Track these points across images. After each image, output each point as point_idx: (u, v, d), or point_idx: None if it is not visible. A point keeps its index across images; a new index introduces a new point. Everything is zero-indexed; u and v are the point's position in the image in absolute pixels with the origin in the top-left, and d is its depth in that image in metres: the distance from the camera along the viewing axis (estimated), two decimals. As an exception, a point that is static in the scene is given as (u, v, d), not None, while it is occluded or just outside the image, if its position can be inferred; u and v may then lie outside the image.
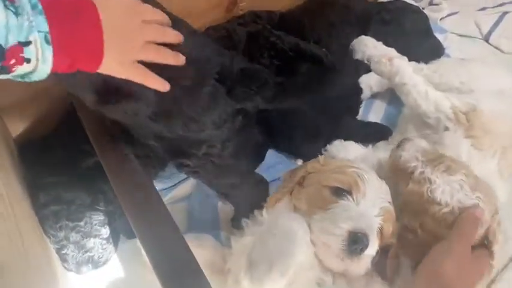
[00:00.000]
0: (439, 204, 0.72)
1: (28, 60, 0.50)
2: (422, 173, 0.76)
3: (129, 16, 0.60)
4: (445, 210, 0.72)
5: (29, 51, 0.49)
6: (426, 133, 0.96)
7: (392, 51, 1.11)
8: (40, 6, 0.49)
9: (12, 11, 0.47)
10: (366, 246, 0.66)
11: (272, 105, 0.84)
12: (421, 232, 0.74)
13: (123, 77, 0.62)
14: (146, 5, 0.64)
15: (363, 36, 1.12)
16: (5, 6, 0.46)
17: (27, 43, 0.49)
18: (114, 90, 0.69)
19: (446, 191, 0.73)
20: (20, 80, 0.53)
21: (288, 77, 1.04)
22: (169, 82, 0.67)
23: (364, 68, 1.13)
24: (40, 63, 0.51)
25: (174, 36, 0.66)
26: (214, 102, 0.75)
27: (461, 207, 0.72)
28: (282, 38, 1.04)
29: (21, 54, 0.49)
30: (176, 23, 0.72)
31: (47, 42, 0.50)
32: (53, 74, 0.55)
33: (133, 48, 0.61)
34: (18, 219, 0.78)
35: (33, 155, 0.95)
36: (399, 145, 0.83)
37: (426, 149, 0.82)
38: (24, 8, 0.48)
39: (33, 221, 0.85)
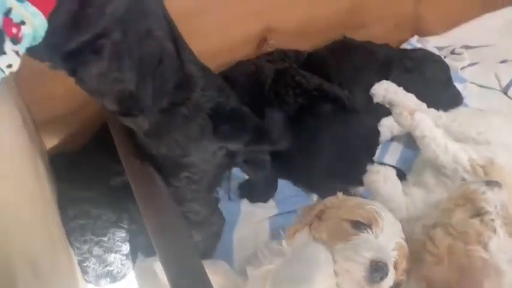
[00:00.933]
0: (484, 249, 0.76)
1: (23, 23, 0.54)
2: (493, 220, 0.79)
3: None
4: (483, 255, 0.76)
5: (16, 15, 0.53)
6: (443, 180, 0.99)
7: (411, 97, 1.16)
8: None
9: None
10: (386, 275, 0.71)
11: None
12: (440, 250, 0.79)
13: None
14: None
15: (384, 81, 1.18)
16: None
17: (9, 10, 0.53)
18: (133, 105, 0.76)
19: (498, 247, 0.77)
20: (33, 43, 0.57)
21: (310, 115, 1.10)
22: (171, 107, 0.76)
23: (384, 111, 1.18)
24: (32, 18, 0.55)
25: None
26: (201, 134, 0.82)
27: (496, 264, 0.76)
28: (307, 78, 1.10)
29: (13, 22, 0.53)
30: (193, 59, 0.80)
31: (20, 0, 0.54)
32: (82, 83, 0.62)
33: None
34: (51, 227, 0.83)
35: (64, 168, 1.00)
36: (489, 183, 0.85)
37: (506, 205, 0.83)
38: None
39: (61, 231, 0.90)
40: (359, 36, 1.33)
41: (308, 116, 1.10)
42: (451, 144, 0.98)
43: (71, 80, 0.70)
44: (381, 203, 0.85)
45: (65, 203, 0.92)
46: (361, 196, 0.99)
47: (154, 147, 0.83)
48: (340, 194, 0.85)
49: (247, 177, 1.09)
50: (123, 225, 0.92)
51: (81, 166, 0.99)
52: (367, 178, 1.02)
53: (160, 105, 0.78)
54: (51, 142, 1.07)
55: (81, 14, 0.62)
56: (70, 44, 0.63)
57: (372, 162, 1.06)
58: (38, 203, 0.82)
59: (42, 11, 0.56)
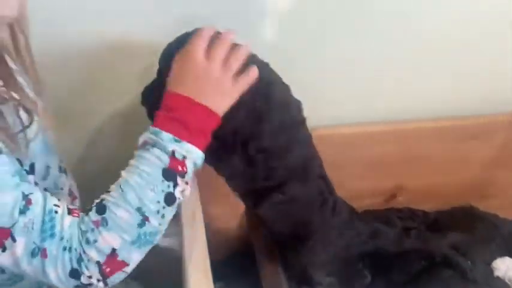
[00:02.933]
0: None
1: (185, 158, 0.66)
2: None
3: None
4: None
5: (179, 154, 0.66)
6: None
7: (533, 280, 1.19)
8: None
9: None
10: None
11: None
12: None
13: (236, 96, 0.74)
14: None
15: (508, 258, 1.23)
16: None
17: (173, 152, 0.65)
18: (303, 226, 0.94)
19: None
20: (193, 168, 0.69)
21: (430, 278, 1.17)
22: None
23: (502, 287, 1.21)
24: (191, 154, 0.67)
25: (245, 49, 0.75)
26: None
27: None
28: (433, 242, 1.19)
29: (178, 160, 0.66)
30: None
31: (177, 141, 0.66)
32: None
33: (228, 90, 0.72)
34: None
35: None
36: None
37: None
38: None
39: None
40: (483, 205, 1.41)
41: (427, 278, 1.16)
42: None
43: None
44: None
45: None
46: None
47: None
48: None
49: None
50: None
51: (219, 279, 1.15)
52: None
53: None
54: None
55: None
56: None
57: None
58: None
59: (197, 146, 0.69)
